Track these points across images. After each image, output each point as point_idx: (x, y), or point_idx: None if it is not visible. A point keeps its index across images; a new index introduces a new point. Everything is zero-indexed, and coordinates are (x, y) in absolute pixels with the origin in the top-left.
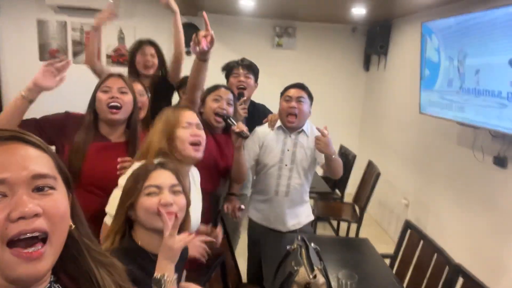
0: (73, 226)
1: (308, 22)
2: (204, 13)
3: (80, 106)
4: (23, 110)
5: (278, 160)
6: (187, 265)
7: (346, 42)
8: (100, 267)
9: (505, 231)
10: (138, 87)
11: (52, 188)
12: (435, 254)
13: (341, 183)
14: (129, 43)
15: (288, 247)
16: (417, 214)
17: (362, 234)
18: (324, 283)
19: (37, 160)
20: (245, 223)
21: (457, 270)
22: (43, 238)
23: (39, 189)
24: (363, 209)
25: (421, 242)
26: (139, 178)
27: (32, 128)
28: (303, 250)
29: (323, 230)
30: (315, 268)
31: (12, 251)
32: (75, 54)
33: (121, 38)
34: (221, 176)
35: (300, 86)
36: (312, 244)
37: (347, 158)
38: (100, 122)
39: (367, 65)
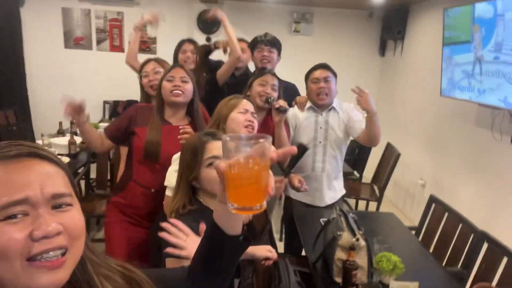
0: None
1: (325, 8)
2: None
3: (101, 93)
4: (91, 131)
5: (312, 138)
6: None
7: (362, 28)
8: (104, 279)
9: None
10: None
11: (69, 205)
12: (460, 224)
13: (360, 164)
14: (150, 31)
15: (326, 219)
16: (434, 193)
17: None
18: (365, 246)
19: (54, 178)
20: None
21: (483, 237)
22: (63, 253)
23: (57, 207)
24: (383, 189)
25: (446, 214)
26: (197, 152)
27: (119, 134)
28: (342, 219)
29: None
30: (357, 233)
31: (34, 263)
32: (99, 41)
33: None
34: None
35: (325, 66)
36: (351, 214)
37: None
38: (165, 107)
39: (382, 50)
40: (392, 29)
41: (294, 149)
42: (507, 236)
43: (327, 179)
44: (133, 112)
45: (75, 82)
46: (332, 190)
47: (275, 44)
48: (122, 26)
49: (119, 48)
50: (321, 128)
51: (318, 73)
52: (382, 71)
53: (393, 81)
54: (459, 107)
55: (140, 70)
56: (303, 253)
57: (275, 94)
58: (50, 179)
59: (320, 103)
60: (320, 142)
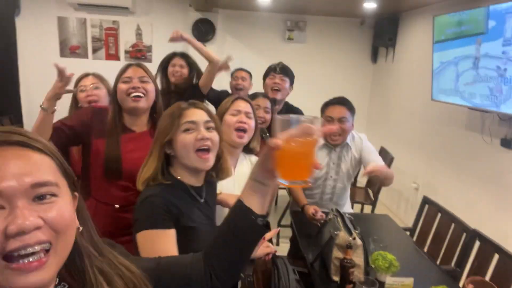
0: (81, 228)
1: (318, 16)
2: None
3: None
4: (50, 121)
5: (324, 173)
6: None
7: (354, 35)
8: (100, 274)
9: None
10: (91, 81)
11: (54, 195)
12: (453, 224)
13: None
14: (146, 39)
15: (324, 219)
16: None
17: None
18: (361, 244)
19: (38, 167)
20: None
21: (475, 235)
22: (47, 249)
23: (40, 198)
24: (377, 192)
25: (439, 214)
26: (174, 116)
27: (63, 133)
28: (339, 219)
29: None
30: (353, 232)
31: (10, 264)
32: (94, 50)
33: (138, 34)
34: None
35: (342, 103)
36: (347, 214)
37: None
38: (124, 113)
39: (374, 57)
40: (383, 36)
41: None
42: (499, 236)
43: (334, 205)
44: (87, 116)
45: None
46: None
47: (287, 72)
48: (118, 34)
49: (115, 57)
50: (333, 164)
51: (333, 112)
52: (375, 77)
53: (385, 87)
54: (450, 111)
55: (76, 84)
56: None
57: (268, 116)
58: (32, 168)
59: (332, 143)
60: (331, 176)
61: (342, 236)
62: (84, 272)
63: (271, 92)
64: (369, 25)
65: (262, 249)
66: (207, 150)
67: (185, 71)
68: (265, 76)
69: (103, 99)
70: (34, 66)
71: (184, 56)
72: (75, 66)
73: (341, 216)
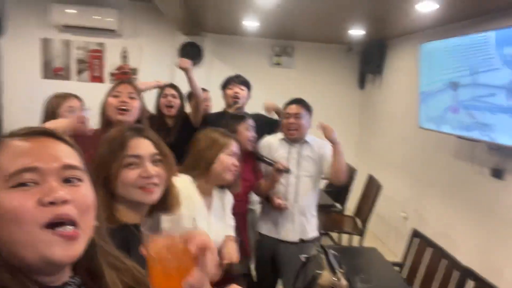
0: (97, 224)
1: (306, 42)
2: None
3: None
4: None
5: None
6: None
7: (341, 61)
8: (112, 269)
9: (503, 237)
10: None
11: (80, 180)
12: (444, 260)
13: (342, 196)
14: (132, 62)
15: (306, 255)
16: (416, 226)
17: None
18: (347, 285)
19: (67, 153)
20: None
21: (467, 273)
22: (73, 224)
23: (68, 181)
24: (365, 222)
25: (428, 249)
26: (115, 147)
27: None
28: (322, 256)
29: (324, 243)
30: (338, 271)
31: (53, 231)
32: (79, 72)
33: (124, 57)
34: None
35: (298, 102)
36: (331, 251)
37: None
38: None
39: (362, 83)
40: (370, 63)
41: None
42: (492, 272)
43: (299, 212)
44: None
45: None
46: (303, 229)
47: (245, 83)
48: (103, 57)
49: (100, 79)
50: (293, 159)
51: (290, 109)
52: (362, 103)
53: (373, 114)
54: (438, 139)
55: (58, 105)
56: None
57: (254, 133)
58: (62, 153)
59: (289, 137)
60: (292, 172)
61: (326, 276)
62: (96, 267)
63: (231, 100)
64: (356, 52)
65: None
66: (153, 186)
67: (178, 101)
68: (224, 87)
69: (88, 122)
70: (16, 88)
71: (174, 86)
72: (58, 88)
73: (325, 252)
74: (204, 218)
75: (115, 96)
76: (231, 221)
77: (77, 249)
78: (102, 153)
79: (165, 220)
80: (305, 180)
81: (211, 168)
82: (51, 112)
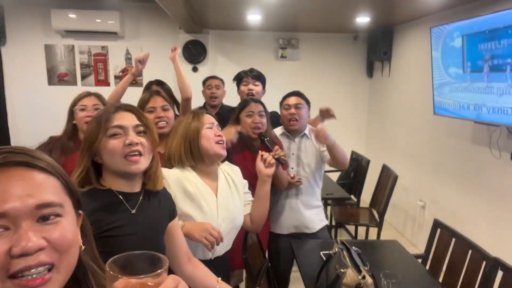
0: (83, 247)
1: (311, 33)
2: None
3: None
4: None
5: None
6: (235, 265)
7: (348, 50)
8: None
9: None
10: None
11: (58, 215)
12: (470, 251)
13: (356, 188)
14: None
15: (329, 252)
16: (435, 214)
17: (380, 238)
18: (372, 283)
19: (42, 187)
20: None
21: (496, 264)
22: (49, 269)
23: (44, 218)
24: (382, 213)
25: (453, 240)
26: (101, 121)
27: None
28: (345, 253)
29: (339, 236)
30: (362, 269)
31: (15, 281)
32: (83, 77)
33: (128, 59)
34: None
35: (297, 94)
36: (354, 247)
37: (360, 163)
38: None
39: (370, 71)
40: (378, 50)
41: None
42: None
43: (303, 205)
44: None
45: (60, 119)
46: (311, 220)
47: (259, 77)
48: (107, 60)
49: (105, 82)
50: (293, 154)
51: (290, 100)
52: (371, 92)
53: (383, 102)
54: (455, 125)
55: (75, 102)
56: None
57: (264, 120)
58: (37, 189)
59: (290, 128)
60: (292, 168)
61: (350, 274)
62: None
63: (246, 97)
64: (363, 40)
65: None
66: (137, 155)
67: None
68: (238, 83)
69: None
70: (21, 96)
71: (161, 83)
72: (64, 94)
73: (348, 249)
74: (212, 201)
75: (151, 112)
76: (247, 196)
77: None
78: (90, 127)
79: (139, 258)
80: (306, 175)
81: (200, 147)
82: (70, 111)
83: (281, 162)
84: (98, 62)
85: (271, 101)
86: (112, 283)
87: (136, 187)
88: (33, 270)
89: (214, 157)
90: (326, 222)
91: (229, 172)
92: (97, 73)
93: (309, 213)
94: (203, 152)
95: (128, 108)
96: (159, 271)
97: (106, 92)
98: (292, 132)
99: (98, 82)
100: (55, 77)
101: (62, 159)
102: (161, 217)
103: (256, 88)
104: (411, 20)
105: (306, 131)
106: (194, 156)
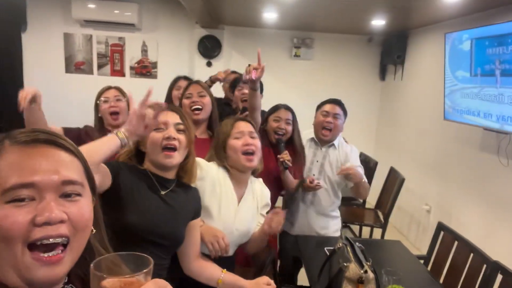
0: (94, 231)
1: (325, 33)
2: (259, 50)
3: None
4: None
5: (307, 169)
6: (239, 261)
7: (361, 52)
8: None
9: None
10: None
11: (79, 195)
12: (471, 254)
13: None
14: (151, 56)
15: (330, 248)
16: (439, 219)
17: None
18: (373, 278)
19: (68, 165)
20: None
21: (496, 267)
22: (64, 244)
23: (66, 196)
24: (387, 215)
25: (455, 243)
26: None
27: None
28: (348, 248)
29: (344, 234)
30: (365, 264)
31: (32, 254)
32: (100, 66)
33: (144, 51)
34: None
35: (337, 102)
36: (357, 243)
37: (368, 165)
38: None
39: (383, 74)
40: (391, 53)
41: None
42: None
43: (317, 214)
44: None
45: (75, 106)
46: (323, 228)
47: None
48: (124, 51)
49: (120, 73)
50: (317, 161)
51: (329, 107)
52: (383, 95)
53: (394, 105)
54: (464, 131)
55: (99, 95)
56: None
57: (290, 128)
58: (63, 166)
59: (322, 138)
60: (314, 174)
61: (353, 268)
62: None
63: (241, 103)
64: (377, 42)
65: (263, 286)
66: (173, 149)
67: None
68: (234, 88)
69: (124, 111)
70: (39, 82)
71: (188, 78)
72: (80, 82)
73: (351, 244)
74: (232, 209)
75: (188, 98)
76: (258, 219)
77: (61, 270)
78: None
79: (124, 260)
80: (325, 185)
81: (228, 156)
82: (95, 104)
83: (284, 166)
84: (115, 53)
85: (283, 99)
86: (97, 283)
87: (170, 175)
88: (51, 240)
89: (240, 168)
90: (339, 234)
91: (258, 189)
92: (113, 63)
93: (323, 221)
94: (230, 161)
95: (174, 109)
96: (144, 270)
97: (121, 82)
98: (321, 140)
99: (114, 72)
100: (72, 65)
101: None
102: (186, 211)
103: None
104: (426, 25)
105: (335, 142)
106: (223, 161)
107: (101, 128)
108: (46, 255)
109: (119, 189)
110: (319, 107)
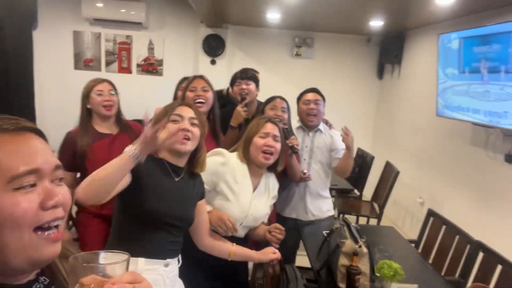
0: None
1: (326, 33)
2: None
3: None
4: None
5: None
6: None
7: (360, 52)
8: (63, 259)
9: None
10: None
11: (62, 179)
12: (457, 236)
13: (360, 183)
14: (158, 53)
15: (328, 230)
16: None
17: None
18: (367, 253)
19: (50, 151)
20: None
21: (478, 246)
22: (56, 225)
23: (55, 180)
24: (382, 206)
25: (443, 227)
26: (167, 109)
27: None
28: (345, 228)
29: None
30: (359, 240)
31: (40, 235)
32: (108, 63)
33: (150, 49)
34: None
35: (316, 90)
36: (353, 223)
37: (365, 159)
38: None
39: (380, 73)
40: (389, 53)
41: None
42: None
43: (310, 196)
44: None
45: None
46: (317, 209)
47: (251, 77)
48: (131, 49)
49: (127, 70)
50: (306, 147)
51: (309, 96)
52: (381, 93)
53: (391, 103)
54: (455, 127)
55: (91, 88)
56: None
57: (285, 115)
58: (49, 152)
59: (309, 123)
60: (304, 159)
61: (349, 244)
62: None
63: (239, 97)
64: (375, 42)
65: (268, 256)
66: (187, 138)
67: (252, 88)
68: (232, 85)
69: (117, 105)
70: (48, 78)
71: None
72: (88, 79)
73: (348, 225)
74: (248, 195)
75: (192, 91)
76: (268, 209)
77: (59, 247)
78: (159, 113)
79: (103, 257)
80: (316, 168)
81: (249, 150)
82: (85, 95)
83: (294, 151)
84: (122, 51)
85: (285, 96)
86: (76, 275)
87: (181, 163)
88: (57, 222)
89: (257, 163)
90: (333, 213)
91: (271, 183)
92: (120, 60)
93: (317, 203)
94: (251, 155)
95: (189, 104)
96: (123, 258)
97: (128, 79)
98: (308, 126)
99: (121, 69)
100: (81, 62)
101: (93, 145)
102: (194, 194)
103: (248, 87)
104: (421, 26)
105: (321, 127)
106: (245, 153)
107: (87, 119)
108: (51, 233)
109: (141, 179)
110: (299, 97)
